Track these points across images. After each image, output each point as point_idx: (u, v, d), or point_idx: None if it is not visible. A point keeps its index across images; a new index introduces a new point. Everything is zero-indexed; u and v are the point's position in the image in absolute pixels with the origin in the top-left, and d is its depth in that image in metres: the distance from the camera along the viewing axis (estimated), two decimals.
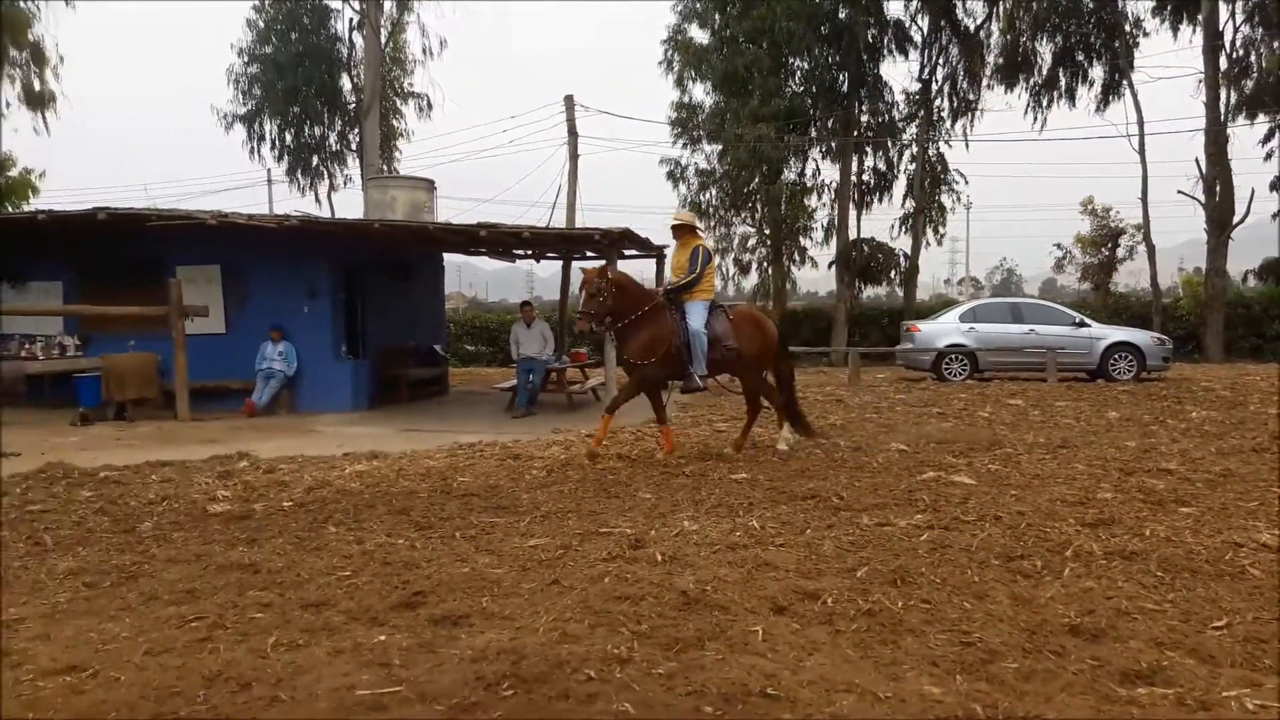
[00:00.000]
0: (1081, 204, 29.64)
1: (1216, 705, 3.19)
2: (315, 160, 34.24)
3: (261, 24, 32.42)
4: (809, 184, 31.03)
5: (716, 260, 31.64)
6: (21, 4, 24.05)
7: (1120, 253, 29.40)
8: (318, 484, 7.68)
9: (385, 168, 31.09)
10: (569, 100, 29.24)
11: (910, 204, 30.87)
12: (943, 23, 29.63)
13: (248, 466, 8.63)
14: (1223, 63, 26.81)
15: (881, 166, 31.30)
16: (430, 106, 34.30)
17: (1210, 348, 26.20)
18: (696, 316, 8.88)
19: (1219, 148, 26.16)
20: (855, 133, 30.57)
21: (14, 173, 26.79)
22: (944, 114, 30.77)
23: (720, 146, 30.07)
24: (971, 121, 30.53)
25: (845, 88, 30.25)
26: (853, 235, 30.62)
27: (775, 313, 30.78)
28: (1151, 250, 28.14)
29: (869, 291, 33.89)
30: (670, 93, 32.02)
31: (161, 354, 13.22)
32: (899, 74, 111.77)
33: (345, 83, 33.22)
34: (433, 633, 3.94)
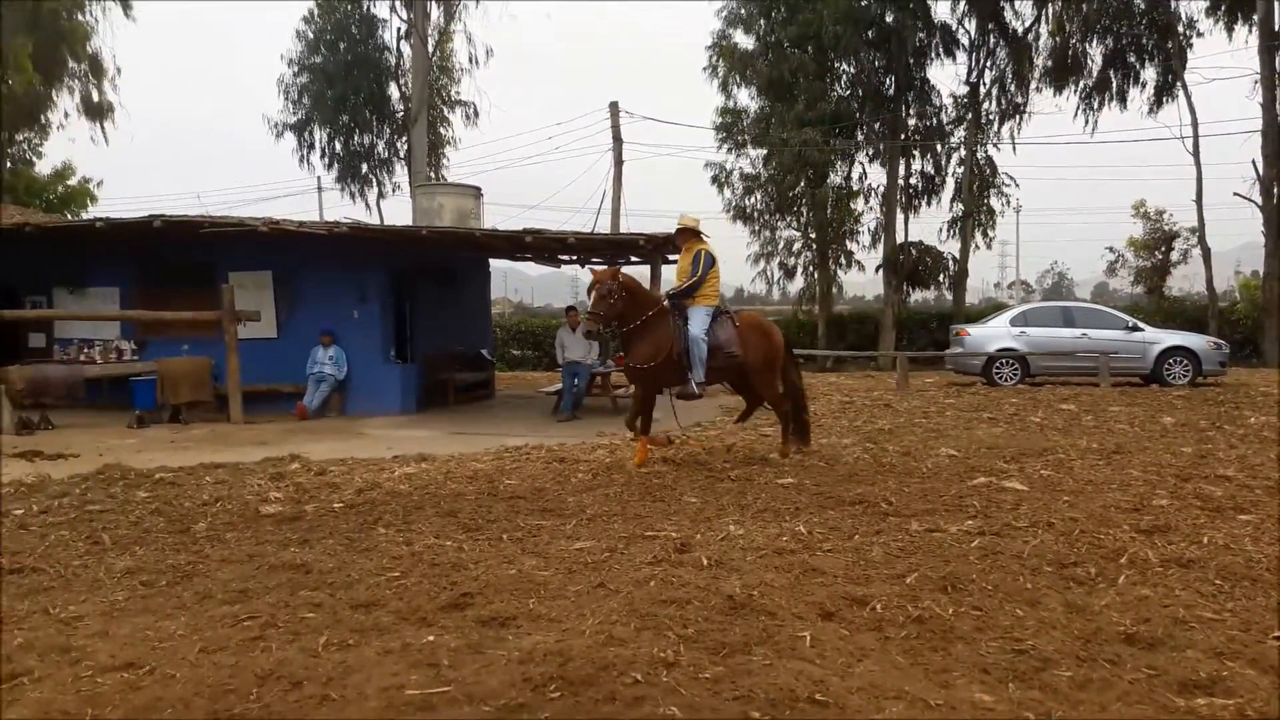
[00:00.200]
0: (1134, 207, 29.12)
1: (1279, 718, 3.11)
2: (364, 168, 34.67)
3: (311, 34, 32.92)
4: (855, 188, 30.83)
5: (762, 265, 31.68)
6: (80, 17, 24.67)
7: (1174, 256, 28.82)
8: (368, 486, 7.77)
9: (433, 175, 31.41)
10: (614, 107, 29.35)
11: (958, 207, 30.52)
12: (990, 25, 29.28)
13: (299, 468, 8.75)
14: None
15: (929, 170, 31.02)
16: (477, 114, 34.63)
17: (1268, 352, 25.55)
18: (697, 322, 8.73)
19: (1277, 149, 25.54)
20: (902, 136, 30.32)
21: (73, 181, 27.50)
22: (992, 117, 30.40)
23: (765, 151, 29.97)
24: (1019, 124, 30.13)
25: (892, 91, 30.02)
26: (900, 239, 30.36)
27: (821, 317, 30.64)
28: (1207, 253, 27.55)
29: (917, 295, 33.52)
30: (715, 98, 31.91)
31: (215, 358, 13.46)
32: (946, 77, 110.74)
33: (393, 91, 33.62)
34: (480, 634, 3.96)
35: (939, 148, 30.66)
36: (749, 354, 8.89)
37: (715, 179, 31.00)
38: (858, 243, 31.38)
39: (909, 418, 12.74)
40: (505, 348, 29.89)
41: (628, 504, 6.86)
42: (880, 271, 30.59)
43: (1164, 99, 28.17)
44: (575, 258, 17.42)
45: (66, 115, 25.54)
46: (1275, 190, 25.82)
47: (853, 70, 30.02)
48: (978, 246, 31.10)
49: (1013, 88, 29.86)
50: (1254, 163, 26.10)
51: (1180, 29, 27.39)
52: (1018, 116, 30.04)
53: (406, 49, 31.55)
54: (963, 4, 29.24)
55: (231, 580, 4.86)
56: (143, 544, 5.78)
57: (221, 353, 13.24)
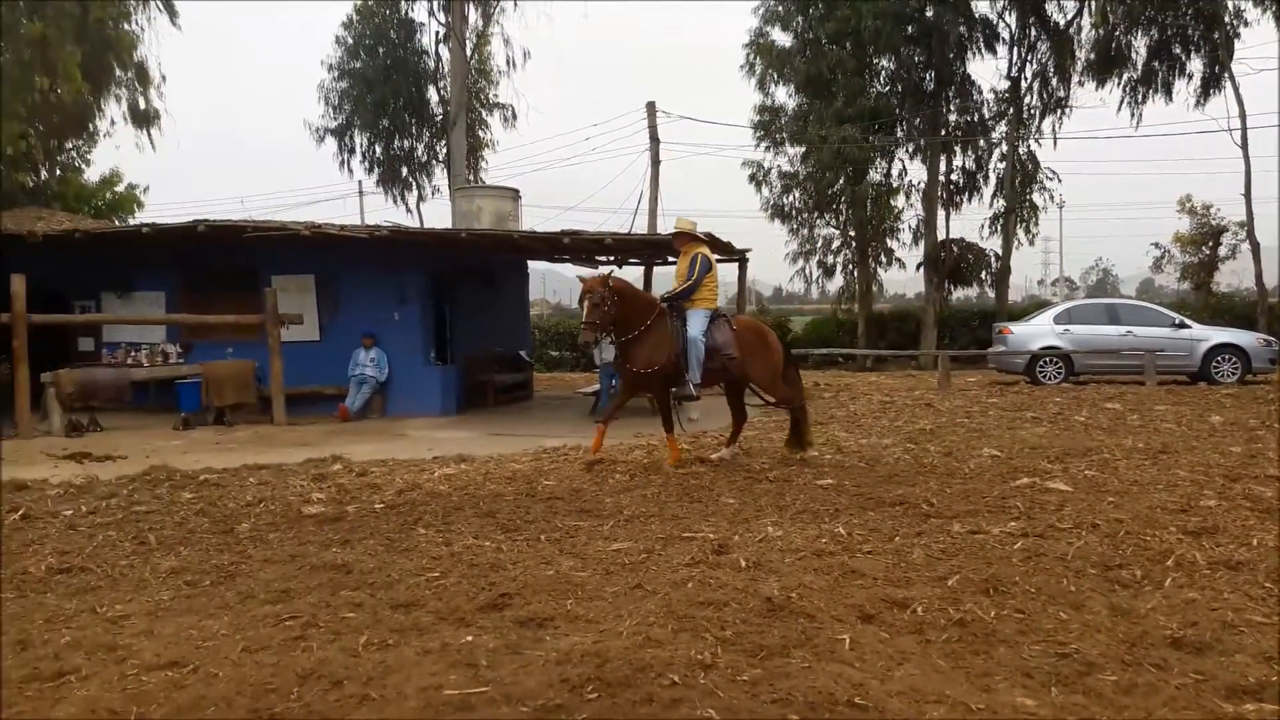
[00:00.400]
0: (1179, 202, 28.56)
1: None
2: (404, 171, 34.94)
3: (350, 40, 33.22)
4: (895, 184, 30.56)
5: (801, 264, 31.51)
6: (127, 27, 25.08)
7: (1222, 251, 28.22)
8: (408, 486, 7.83)
9: (471, 177, 31.58)
10: (650, 107, 29.34)
11: (1000, 203, 30.13)
12: (1031, 18, 28.88)
13: (341, 469, 8.84)
14: None
15: (970, 166, 30.65)
16: (515, 117, 34.71)
17: None
18: (695, 324, 8.74)
19: None
20: (943, 132, 30.01)
21: (121, 188, 27.97)
22: (1033, 111, 29.98)
23: (803, 148, 29.80)
24: (1061, 119, 29.67)
25: (932, 87, 29.71)
26: (941, 236, 30.06)
27: (861, 315, 30.42)
28: (1256, 248, 26.94)
29: (959, 293, 33.19)
30: (752, 96, 31.76)
31: (258, 361, 13.63)
32: (986, 71, 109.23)
33: (432, 95, 33.84)
34: (518, 634, 3.98)
35: (980, 143, 30.30)
36: (746, 357, 8.90)
37: (753, 177, 30.89)
38: (898, 240, 31.16)
39: (951, 417, 12.61)
40: (543, 349, 30.01)
41: (665, 505, 6.86)
42: (921, 269, 30.31)
43: (1211, 90, 27.58)
44: (613, 258, 17.44)
45: (113, 123, 25.96)
46: None
47: (892, 66, 29.76)
48: (1020, 243, 30.72)
49: (1055, 81, 29.42)
50: None
51: (1227, 19, 26.82)
52: (1060, 111, 29.61)
53: (445, 52, 31.75)
54: None
55: (274, 580, 4.92)
56: (187, 544, 5.86)
57: (265, 355, 13.41)
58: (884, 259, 31.31)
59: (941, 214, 30.33)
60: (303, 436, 11.85)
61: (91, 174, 27.95)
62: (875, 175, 29.83)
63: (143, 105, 25.98)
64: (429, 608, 4.39)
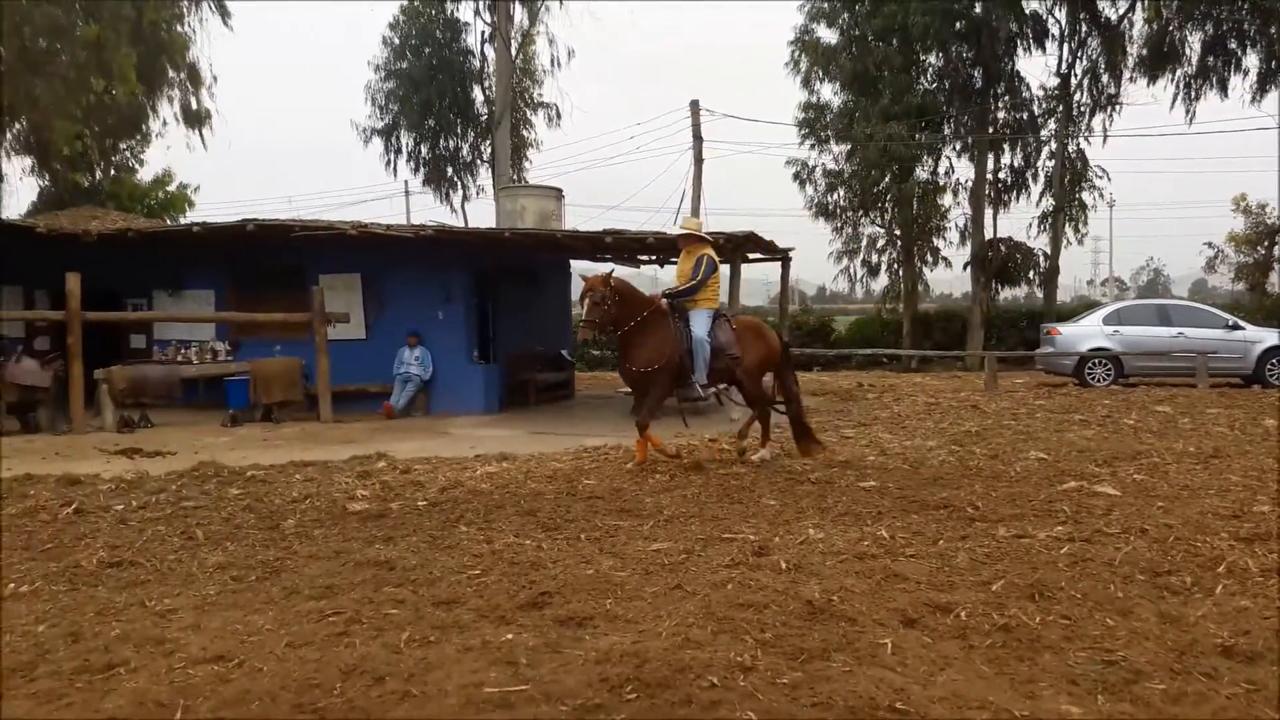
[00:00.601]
0: (1234, 200, 27.96)
1: None
2: (449, 171, 35.21)
3: (396, 40, 33.54)
4: (942, 183, 30.23)
5: (845, 263, 31.30)
6: (180, 29, 25.55)
7: (1277, 251, 27.60)
8: (451, 484, 7.89)
9: (515, 177, 31.75)
10: (694, 105, 29.28)
11: (1049, 202, 29.66)
12: (1083, 14, 28.39)
13: (385, 467, 8.93)
14: None
15: (1018, 163, 30.20)
16: (559, 116, 34.86)
17: None
18: (700, 324, 8.73)
19: None
20: (991, 129, 29.62)
21: (172, 187, 28.53)
22: (1084, 108, 29.47)
23: (849, 146, 29.57)
24: (1112, 116, 29.13)
25: (980, 84, 29.33)
26: (989, 235, 29.66)
27: (906, 315, 30.12)
28: None
29: (1006, 293, 32.72)
30: (796, 94, 31.56)
31: (305, 359, 13.81)
32: (1035, 68, 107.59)
33: (477, 95, 34.07)
34: (558, 633, 3.99)
35: (1029, 141, 29.86)
36: (746, 356, 8.91)
37: (797, 175, 30.72)
38: (944, 239, 30.79)
39: (997, 419, 12.44)
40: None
41: (705, 505, 6.84)
42: (968, 269, 29.94)
43: (1268, 86, 26.92)
44: (655, 258, 17.43)
45: (165, 123, 26.50)
46: None
47: (940, 63, 29.42)
48: (1069, 242, 30.22)
49: (1105, 78, 28.90)
50: None
51: None
52: (1111, 108, 29.08)
53: (490, 52, 31.97)
54: None
55: (318, 576, 4.98)
56: (234, 540, 5.96)
57: (312, 353, 13.59)
58: (930, 258, 30.98)
59: (989, 213, 29.94)
60: (348, 434, 11.98)
61: (144, 174, 28.55)
62: (922, 173, 29.52)
63: (194, 105, 26.47)
64: (470, 605, 4.41)
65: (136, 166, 28.40)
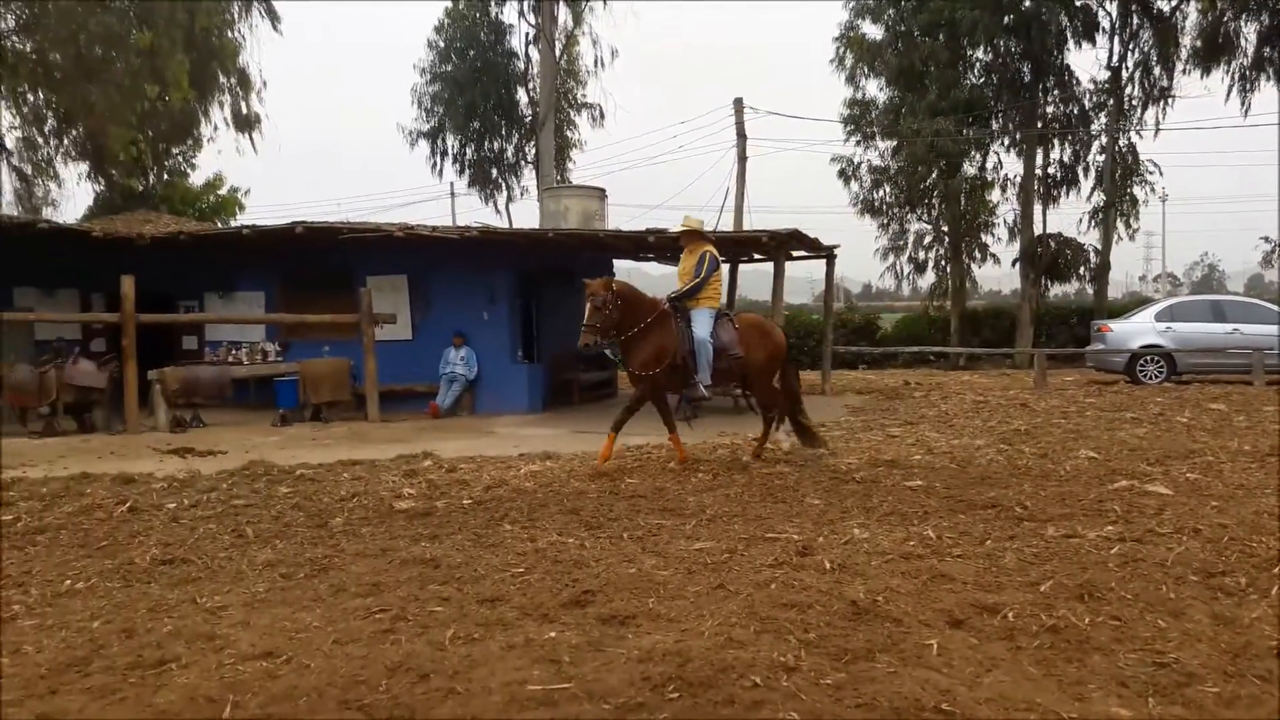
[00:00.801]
0: None
1: None
2: (494, 173, 35.43)
3: (442, 44, 33.82)
4: (990, 178, 29.85)
5: (891, 260, 31.03)
6: (231, 35, 26.01)
7: None
8: (495, 483, 7.95)
9: (559, 177, 31.86)
10: (738, 103, 29.18)
11: (1099, 197, 29.15)
12: (1134, 6, 27.87)
13: (431, 466, 9.02)
14: None
15: (1068, 158, 29.72)
16: (602, 116, 34.92)
17: None
18: (702, 324, 8.62)
19: None
20: (1040, 124, 29.16)
21: (223, 191, 29.04)
22: (1135, 102, 28.91)
23: (895, 142, 29.31)
24: (1164, 109, 28.54)
25: (1029, 78, 28.90)
26: (1038, 230, 29.23)
27: (954, 312, 29.78)
28: None
29: (1056, 289, 32.23)
30: (841, 90, 31.40)
31: (353, 359, 13.98)
32: (1085, 61, 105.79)
33: (521, 97, 34.25)
34: (601, 631, 4.00)
35: (1079, 135, 29.35)
36: (751, 355, 8.81)
37: (842, 172, 30.52)
38: (993, 235, 30.44)
39: (1046, 418, 12.25)
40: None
41: (748, 505, 6.81)
42: (1017, 265, 29.53)
43: None
44: None
45: (216, 128, 26.98)
46: None
47: (988, 57, 29.03)
48: (1120, 238, 29.71)
49: (1158, 70, 28.33)
50: None
51: None
52: (1163, 101, 28.50)
53: (534, 54, 32.14)
54: None
55: (365, 574, 5.04)
56: (283, 538, 6.05)
57: (360, 354, 13.76)
58: (978, 254, 30.63)
59: (1038, 208, 29.50)
60: (395, 433, 12.11)
61: (196, 178, 29.10)
62: (969, 169, 29.16)
63: (244, 110, 26.94)
64: (514, 603, 4.44)
65: (188, 171, 28.98)
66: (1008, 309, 31.18)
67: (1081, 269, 29.19)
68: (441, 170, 35.44)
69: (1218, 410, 12.65)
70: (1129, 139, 29.31)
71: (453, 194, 44.57)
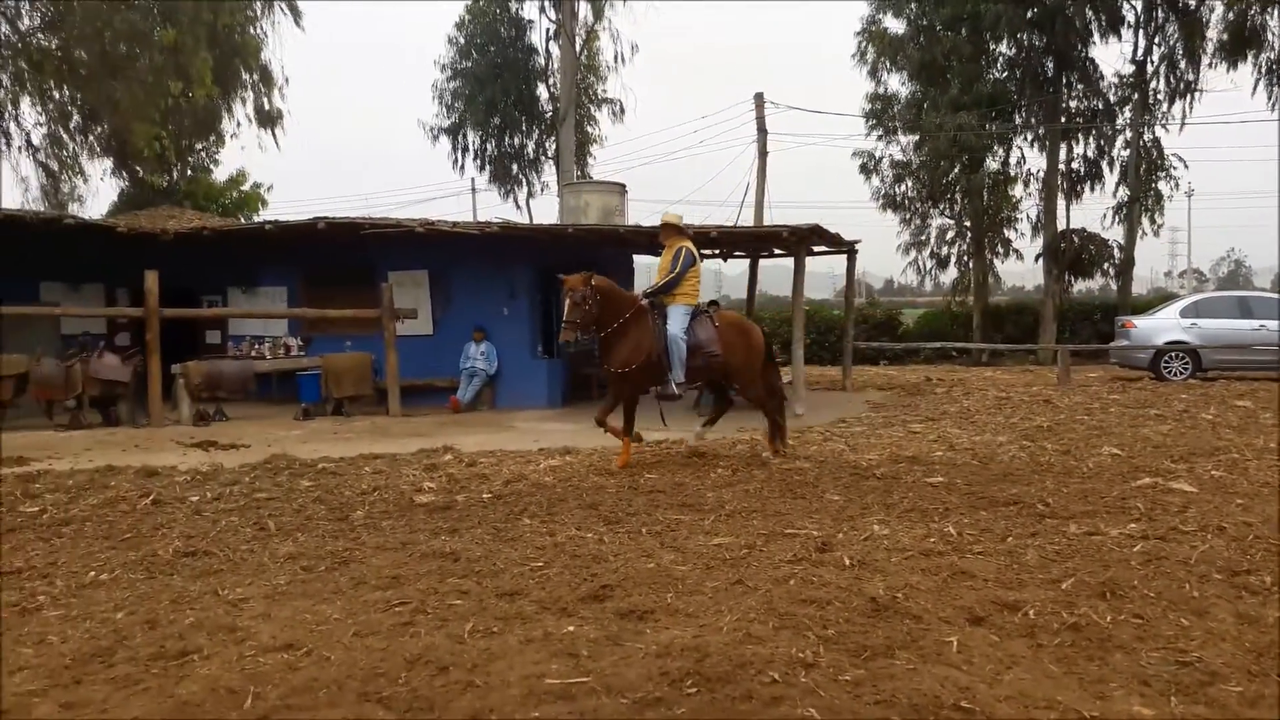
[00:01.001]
0: None
1: None
2: (514, 168, 35.47)
3: (462, 39, 33.87)
4: (1013, 173, 29.60)
5: (913, 255, 30.83)
6: (253, 31, 26.16)
7: None
8: (514, 477, 7.97)
9: (579, 173, 31.87)
10: (759, 98, 29.08)
11: (1124, 192, 28.87)
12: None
13: (451, 460, 9.05)
14: None
15: (1092, 153, 29.43)
16: (623, 111, 34.89)
17: None
18: (676, 321, 8.54)
19: None
20: (1063, 119, 28.91)
21: (246, 187, 29.21)
22: (1160, 96, 28.59)
23: (917, 137, 29.13)
24: (1190, 104, 28.20)
25: (1052, 72, 28.65)
26: (1061, 226, 28.96)
27: (976, 308, 29.59)
28: None
29: (1079, 285, 31.87)
30: (863, 84, 31.20)
31: (375, 354, 14.04)
32: (1110, 55, 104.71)
33: (541, 92, 34.26)
34: (619, 626, 4.00)
35: (1103, 130, 29.07)
36: (728, 354, 8.72)
37: (863, 167, 30.33)
38: (1016, 230, 30.15)
39: (1069, 414, 12.16)
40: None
41: (767, 500, 6.80)
42: (1040, 260, 29.27)
43: None
44: (718, 252, 17.37)
45: (239, 124, 27.14)
46: None
47: (1011, 51, 28.80)
48: (1145, 233, 29.36)
49: (1183, 64, 28.00)
50: None
51: None
52: (1189, 95, 28.17)
53: (554, 50, 32.13)
54: None
55: (385, 567, 5.06)
56: (304, 531, 6.09)
57: (381, 349, 13.81)
58: (1001, 250, 30.37)
59: (1062, 203, 29.19)
60: (416, 427, 12.15)
61: (219, 174, 29.28)
62: (992, 164, 28.92)
63: (267, 106, 27.08)
64: (532, 597, 4.45)
65: (212, 167, 29.13)
66: (1031, 305, 30.94)
67: (1105, 265, 28.88)
68: (462, 166, 35.52)
69: (1243, 407, 12.52)
70: (1154, 133, 29.02)
71: (474, 189, 44.63)
